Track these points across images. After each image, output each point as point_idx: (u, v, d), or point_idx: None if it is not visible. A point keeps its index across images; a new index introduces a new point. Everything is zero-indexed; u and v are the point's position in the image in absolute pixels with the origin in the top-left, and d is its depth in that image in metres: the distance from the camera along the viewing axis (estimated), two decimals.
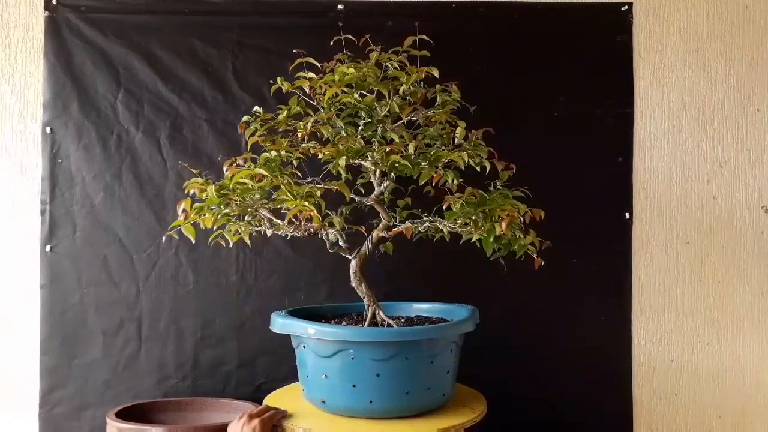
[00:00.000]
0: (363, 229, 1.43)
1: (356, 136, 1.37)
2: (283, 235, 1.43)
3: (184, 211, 1.29)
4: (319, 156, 1.36)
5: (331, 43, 1.49)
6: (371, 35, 1.44)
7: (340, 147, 1.33)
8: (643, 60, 1.87)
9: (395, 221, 1.46)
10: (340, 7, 1.84)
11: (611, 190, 1.86)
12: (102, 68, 1.82)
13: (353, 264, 1.46)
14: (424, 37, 1.42)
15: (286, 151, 1.37)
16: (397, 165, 1.35)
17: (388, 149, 1.32)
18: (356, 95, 1.37)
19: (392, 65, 1.39)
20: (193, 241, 1.30)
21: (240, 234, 1.38)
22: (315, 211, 1.23)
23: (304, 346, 1.37)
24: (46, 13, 1.82)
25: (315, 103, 1.45)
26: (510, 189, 1.41)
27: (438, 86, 1.45)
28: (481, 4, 1.85)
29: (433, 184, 1.35)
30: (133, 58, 1.82)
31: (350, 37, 1.45)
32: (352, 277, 1.46)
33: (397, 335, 1.34)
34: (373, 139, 1.42)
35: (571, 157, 1.84)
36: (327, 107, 1.40)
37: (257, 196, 1.33)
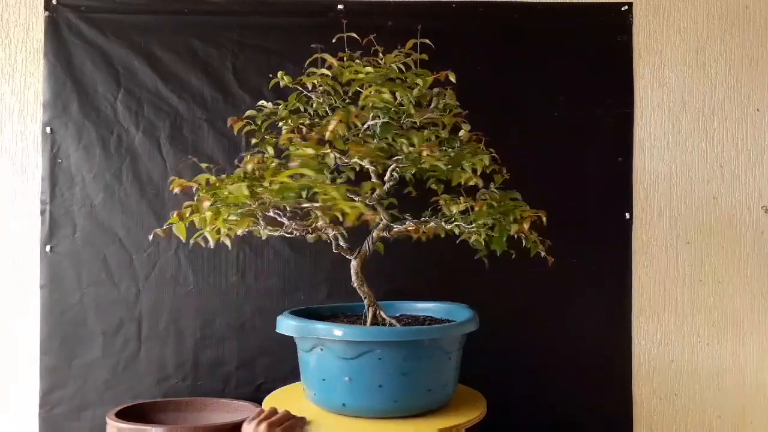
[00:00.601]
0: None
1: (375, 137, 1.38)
2: (279, 235, 1.41)
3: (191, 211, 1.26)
4: (354, 156, 1.34)
5: (333, 41, 1.47)
6: (371, 35, 1.44)
7: (372, 147, 1.31)
8: (643, 60, 1.87)
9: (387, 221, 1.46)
10: (340, 7, 1.84)
11: (611, 190, 1.86)
12: (102, 68, 1.82)
13: (354, 264, 1.46)
14: (427, 41, 1.42)
15: (314, 149, 1.35)
16: (424, 165, 1.36)
17: (426, 151, 1.31)
18: (387, 95, 1.35)
19: (398, 66, 1.39)
20: (184, 241, 1.26)
21: (225, 233, 1.31)
22: (369, 211, 1.20)
23: (321, 349, 1.34)
24: (46, 13, 1.82)
25: (314, 99, 1.44)
26: (505, 190, 1.42)
27: (435, 89, 1.45)
28: (481, 4, 1.85)
29: (462, 185, 1.38)
30: (133, 58, 1.82)
31: (354, 35, 1.44)
32: (354, 278, 1.46)
33: (427, 333, 1.35)
34: (394, 140, 1.43)
35: (571, 157, 1.84)
36: (341, 105, 1.39)
37: (292, 195, 1.27)
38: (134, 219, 1.81)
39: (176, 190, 1.33)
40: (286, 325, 1.39)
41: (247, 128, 1.46)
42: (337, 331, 1.31)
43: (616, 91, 1.86)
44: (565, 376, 1.83)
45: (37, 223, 1.81)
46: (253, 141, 1.46)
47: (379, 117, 1.37)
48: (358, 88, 1.35)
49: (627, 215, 1.85)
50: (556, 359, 1.82)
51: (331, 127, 1.25)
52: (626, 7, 1.86)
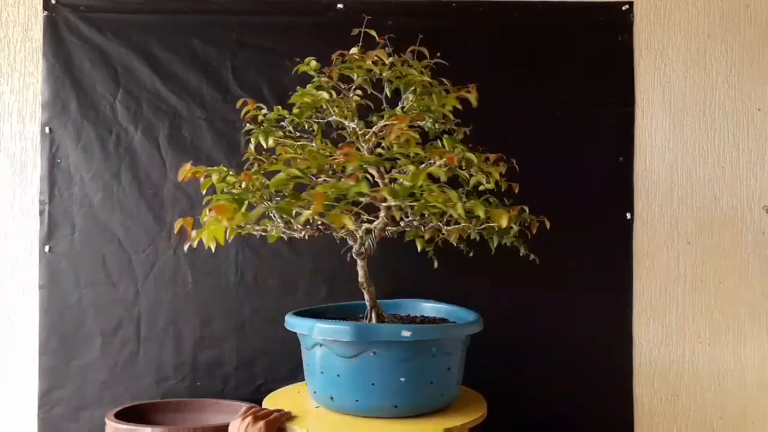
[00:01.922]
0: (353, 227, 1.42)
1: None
2: (298, 237, 1.42)
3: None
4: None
5: (354, 33, 1.44)
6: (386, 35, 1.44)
7: (435, 149, 1.32)
8: (644, 59, 1.87)
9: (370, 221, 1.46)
10: (339, 6, 1.83)
11: (612, 190, 1.85)
12: (101, 68, 1.81)
13: (362, 264, 1.45)
14: (424, 50, 1.43)
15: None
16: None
17: (492, 157, 1.39)
18: (437, 101, 1.37)
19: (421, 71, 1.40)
20: (213, 246, 1.20)
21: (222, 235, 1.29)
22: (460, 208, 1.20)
23: (374, 353, 1.30)
24: (45, 12, 1.81)
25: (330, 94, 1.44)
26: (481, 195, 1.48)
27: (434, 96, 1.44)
28: (481, 3, 1.85)
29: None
30: (132, 58, 1.81)
31: (372, 33, 1.43)
32: (362, 278, 1.44)
33: (467, 329, 1.40)
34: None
35: (572, 157, 1.84)
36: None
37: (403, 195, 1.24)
38: (133, 219, 1.80)
39: (186, 177, 1.32)
40: (334, 330, 1.32)
41: (254, 112, 1.47)
42: (406, 332, 1.28)
43: (616, 91, 1.85)
44: (565, 377, 1.82)
45: (35, 223, 1.81)
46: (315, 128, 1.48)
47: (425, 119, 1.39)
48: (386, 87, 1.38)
49: (628, 215, 1.85)
50: (556, 360, 1.82)
51: (395, 131, 1.24)
52: (627, 6, 1.86)
